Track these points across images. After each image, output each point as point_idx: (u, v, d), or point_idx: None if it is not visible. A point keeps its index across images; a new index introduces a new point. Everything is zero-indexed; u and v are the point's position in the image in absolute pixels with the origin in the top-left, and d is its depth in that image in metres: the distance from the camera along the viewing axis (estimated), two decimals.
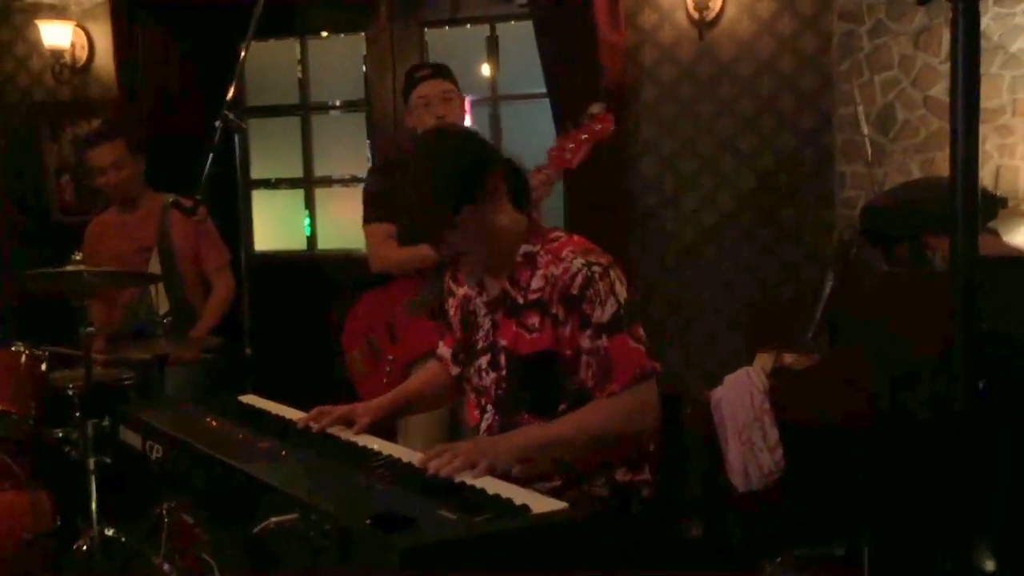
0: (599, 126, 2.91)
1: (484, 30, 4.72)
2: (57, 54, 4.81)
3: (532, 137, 4.54)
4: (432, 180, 1.97)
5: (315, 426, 2.14)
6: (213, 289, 3.93)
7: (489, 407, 2.14)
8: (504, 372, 2.09)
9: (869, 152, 3.62)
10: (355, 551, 1.49)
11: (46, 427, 3.27)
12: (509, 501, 1.60)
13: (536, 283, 2.01)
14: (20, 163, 5.08)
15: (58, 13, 4.83)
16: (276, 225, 5.23)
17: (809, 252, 4.03)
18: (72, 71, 4.87)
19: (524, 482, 1.92)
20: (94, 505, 3.07)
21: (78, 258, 3.10)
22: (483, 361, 2.14)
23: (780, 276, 4.08)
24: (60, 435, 3.25)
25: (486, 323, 2.13)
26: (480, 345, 2.14)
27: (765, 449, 2.49)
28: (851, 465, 2.39)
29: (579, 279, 1.95)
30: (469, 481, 1.72)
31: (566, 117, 4.15)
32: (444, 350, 2.33)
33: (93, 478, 3.08)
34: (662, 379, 1.99)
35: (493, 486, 1.70)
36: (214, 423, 2.25)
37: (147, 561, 2.94)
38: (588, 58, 4.05)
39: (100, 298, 3.81)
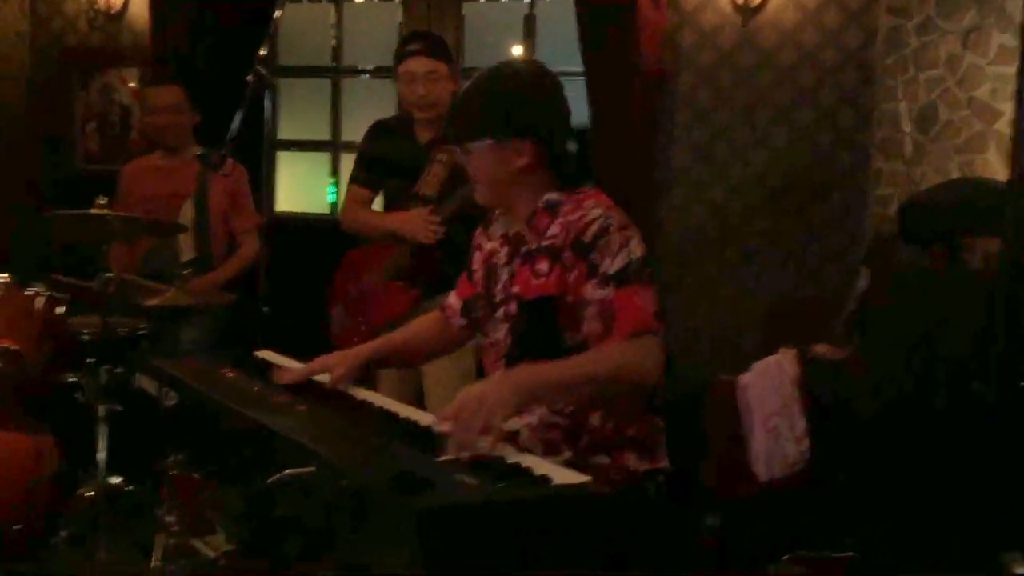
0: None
1: (522, 6, 4.66)
2: None
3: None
4: (470, 101, 1.99)
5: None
6: (238, 249, 3.93)
7: (501, 362, 2.07)
8: (512, 323, 2.03)
9: (909, 150, 3.55)
10: (371, 510, 1.45)
11: (60, 371, 3.25)
12: (529, 471, 1.56)
13: (553, 230, 1.96)
14: (49, 109, 5.04)
15: None
16: (300, 188, 5.19)
17: (838, 250, 3.97)
18: (106, 17, 4.83)
19: (527, 450, 1.88)
20: (102, 453, 3.05)
21: (103, 202, 3.07)
22: (499, 313, 2.07)
23: (807, 274, 4.02)
24: (72, 380, 3.23)
25: (504, 274, 2.07)
26: (498, 298, 2.08)
27: (791, 439, 2.43)
28: (878, 459, 2.34)
29: (594, 227, 1.89)
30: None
31: (601, 98, 4.14)
32: (453, 299, 2.27)
33: (102, 425, 3.06)
34: (667, 349, 1.88)
35: (512, 455, 1.66)
36: (229, 375, 2.21)
37: (151, 513, 2.92)
38: (627, 38, 3.99)
39: (122, 240, 3.81)
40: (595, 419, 1.96)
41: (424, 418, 1.89)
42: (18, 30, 4.96)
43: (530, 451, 1.85)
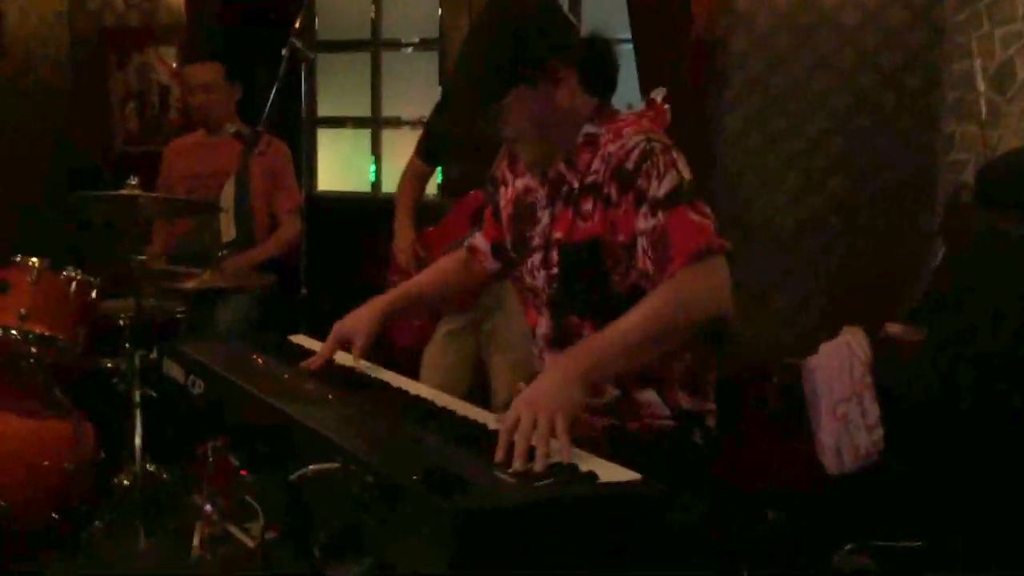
0: (653, 115, 2.68)
1: None
2: None
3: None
4: (482, 56, 1.78)
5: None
6: (278, 229, 3.84)
7: (544, 310, 1.91)
8: (555, 270, 1.85)
9: (984, 111, 3.31)
10: (400, 509, 1.32)
11: (95, 356, 3.18)
12: (573, 467, 1.41)
13: (595, 165, 1.78)
14: (87, 89, 4.98)
15: None
16: (341, 166, 5.08)
17: (908, 220, 3.75)
18: None
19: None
20: (138, 439, 2.98)
21: (134, 183, 2.98)
22: (536, 259, 1.90)
23: (873, 248, 3.81)
24: (108, 365, 3.16)
25: (544, 216, 1.89)
26: (535, 242, 1.91)
27: (863, 427, 2.23)
28: (956, 450, 2.15)
29: (635, 153, 1.70)
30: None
31: (650, 66, 3.95)
32: (481, 241, 2.12)
33: (138, 411, 2.99)
34: (731, 265, 1.67)
35: (555, 447, 1.51)
36: (260, 361, 2.10)
37: (188, 500, 2.84)
38: (678, 2, 3.80)
39: (162, 220, 3.76)
40: None
41: (463, 408, 1.75)
42: (56, 10, 4.91)
43: None
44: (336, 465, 1.45)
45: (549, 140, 1.82)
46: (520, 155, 1.92)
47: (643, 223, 1.69)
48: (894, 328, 2.41)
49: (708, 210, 1.68)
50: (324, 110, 4.97)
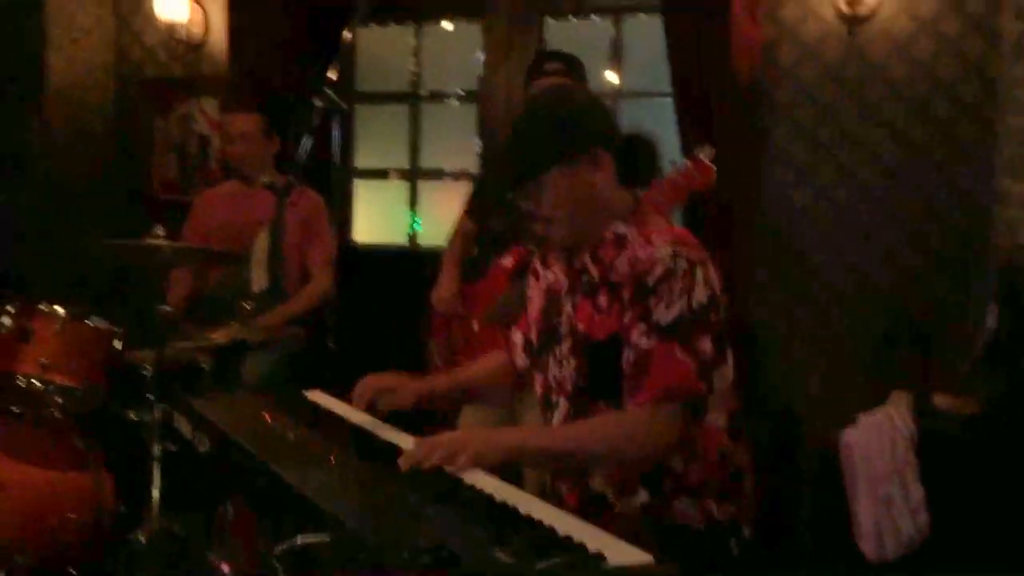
0: (699, 176, 2.60)
1: (606, 24, 4.43)
2: (172, 29, 4.74)
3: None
4: (528, 131, 1.84)
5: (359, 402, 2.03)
6: (311, 282, 3.78)
7: (561, 400, 1.92)
8: (580, 360, 1.87)
9: None
10: None
11: (118, 406, 3.13)
12: (581, 546, 1.29)
13: (620, 265, 1.81)
14: (128, 138, 5.03)
15: None
16: (380, 217, 5.04)
17: (958, 280, 3.59)
18: (187, 47, 4.79)
19: (603, 499, 1.81)
20: (155, 493, 2.90)
21: (160, 232, 2.93)
22: (564, 348, 1.90)
23: (923, 306, 3.64)
24: (132, 416, 3.10)
25: (567, 305, 1.89)
26: (562, 329, 1.90)
27: (906, 511, 2.05)
28: (1011, 536, 1.96)
29: (658, 269, 1.74)
30: (536, 515, 1.42)
31: (691, 119, 3.86)
32: (516, 335, 2.12)
33: (156, 465, 2.91)
34: (703, 403, 1.75)
35: (564, 523, 1.39)
36: (269, 418, 2.01)
37: (205, 559, 2.75)
38: (720, 53, 3.72)
39: (188, 269, 3.73)
40: (676, 462, 1.80)
41: (475, 478, 1.63)
42: (102, 60, 4.96)
43: (603, 494, 1.80)
44: (326, 538, 1.36)
45: (579, 225, 1.84)
46: (550, 237, 1.91)
47: (636, 337, 1.74)
48: (943, 399, 2.23)
49: (704, 344, 1.71)
50: (364, 161, 4.95)
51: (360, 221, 4.98)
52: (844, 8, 3.68)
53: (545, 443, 1.78)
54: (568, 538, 1.33)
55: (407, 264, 4.70)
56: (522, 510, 1.45)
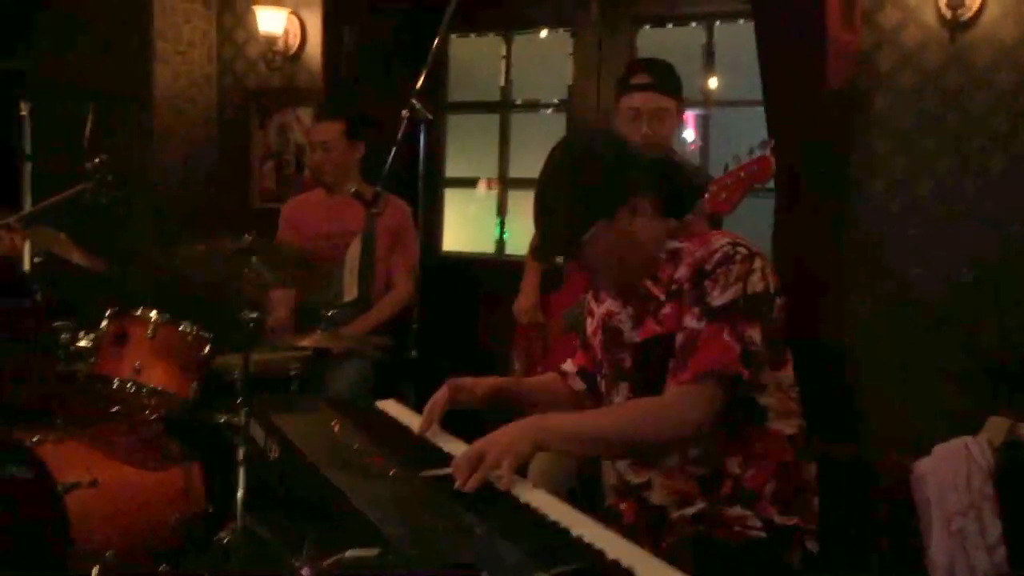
0: (757, 168, 2.53)
1: (699, 32, 4.36)
2: (271, 41, 4.87)
3: (739, 149, 4.14)
4: (560, 200, 1.82)
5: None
6: (392, 290, 3.82)
7: None
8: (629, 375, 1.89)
9: None
10: None
11: (207, 410, 3.22)
12: (615, 564, 1.28)
13: (680, 273, 1.81)
14: (230, 149, 5.19)
15: (276, 0, 4.88)
16: (468, 226, 5.07)
17: None
18: (284, 59, 4.92)
19: (662, 511, 1.79)
20: (240, 496, 2.97)
21: (248, 239, 3.00)
22: (625, 387, 1.89)
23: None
24: (222, 419, 3.18)
25: (634, 337, 1.88)
26: (626, 364, 1.89)
27: (982, 546, 1.94)
28: None
29: (717, 255, 1.75)
30: (587, 537, 1.39)
31: (783, 126, 3.76)
32: (569, 366, 2.15)
33: (242, 468, 2.98)
34: (741, 386, 1.72)
35: (615, 546, 1.37)
36: (337, 428, 2.04)
37: (287, 562, 2.81)
38: (814, 60, 3.60)
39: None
40: (733, 465, 1.78)
41: (530, 495, 1.62)
42: (206, 72, 5.14)
43: (662, 506, 1.79)
44: (375, 552, 1.36)
45: (627, 271, 1.86)
46: (602, 286, 1.96)
47: (688, 321, 1.75)
48: None
49: (753, 332, 1.70)
50: (454, 170, 4.99)
51: (449, 230, 5.02)
52: (946, 12, 3.53)
53: (570, 428, 1.76)
54: (616, 563, 1.31)
55: (493, 273, 4.71)
56: (574, 532, 1.44)
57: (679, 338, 1.75)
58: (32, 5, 5.19)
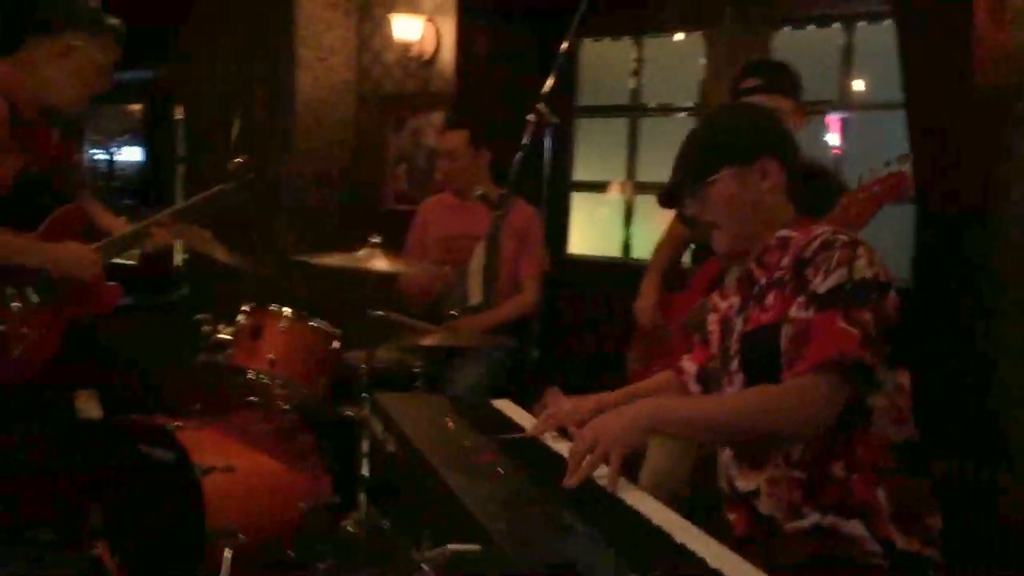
0: (893, 184, 2.44)
1: (838, 33, 4.24)
2: (407, 47, 5.00)
3: (878, 153, 4.00)
4: (699, 138, 1.90)
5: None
6: (520, 293, 3.86)
7: None
8: (741, 365, 1.85)
9: None
10: None
11: (335, 403, 3.32)
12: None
13: (784, 261, 1.77)
14: (365, 152, 5.36)
15: (412, 7, 5.01)
16: (595, 230, 5.07)
17: None
18: (419, 64, 5.04)
19: (772, 520, 1.74)
20: (363, 488, 3.06)
21: (376, 241, 3.10)
22: (734, 365, 1.86)
23: None
24: (348, 413, 3.28)
25: (739, 323, 1.86)
26: (734, 349, 1.87)
27: None
28: None
29: (816, 242, 1.71)
30: (690, 546, 1.38)
31: (926, 129, 3.61)
32: (688, 364, 2.11)
33: (365, 461, 3.06)
34: (865, 376, 1.63)
35: (717, 555, 1.35)
36: (451, 424, 2.08)
37: (409, 554, 2.87)
38: (959, 62, 3.44)
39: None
40: (837, 469, 1.70)
41: (636, 499, 1.61)
42: (344, 79, 5.32)
43: (772, 516, 1.73)
44: (477, 549, 1.39)
45: (743, 232, 1.85)
46: (715, 244, 1.92)
47: (795, 311, 1.69)
48: None
49: (867, 316, 1.63)
50: (582, 174, 5.00)
51: (576, 233, 5.03)
52: None
53: (684, 413, 1.73)
54: (717, 572, 1.29)
55: (619, 276, 4.70)
56: (676, 538, 1.43)
57: (788, 329, 1.69)
58: (182, 16, 5.49)
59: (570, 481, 1.62)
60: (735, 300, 1.91)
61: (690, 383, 2.09)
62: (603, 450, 1.63)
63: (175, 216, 3.15)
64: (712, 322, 2.02)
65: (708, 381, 2.02)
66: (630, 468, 1.70)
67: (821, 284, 1.66)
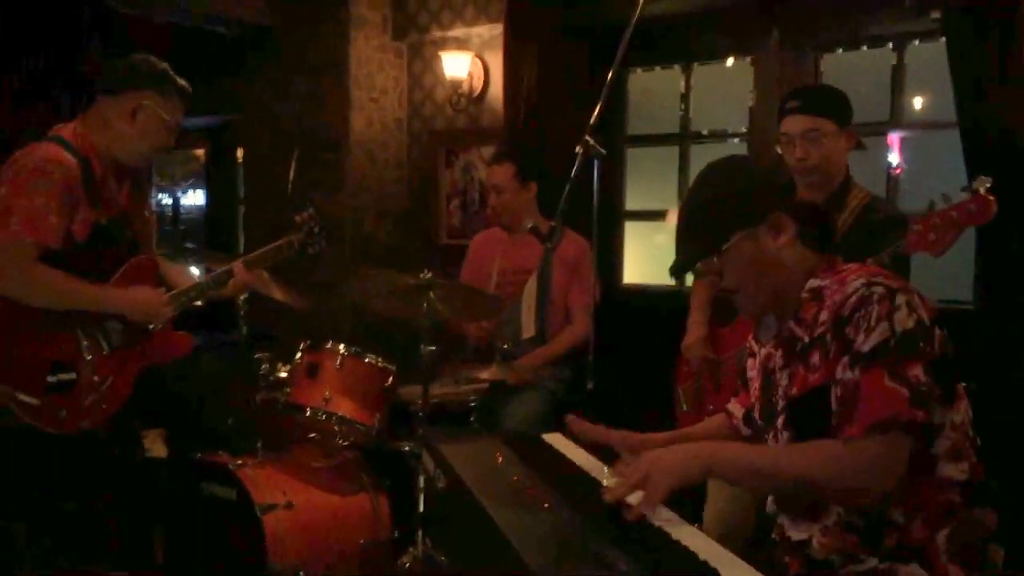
0: (977, 210, 2.34)
1: (886, 54, 4.20)
2: (456, 84, 5.07)
3: (939, 172, 3.94)
4: (705, 207, 1.83)
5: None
6: (570, 324, 3.86)
7: None
8: (792, 429, 1.81)
9: None
10: None
11: (391, 439, 3.36)
12: None
13: (823, 317, 1.73)
14: (418, 188, 5.43)
15: (460, 45, 5.09)
16: (649, 259, 5.06)
17: None
18: (468, 100, 5.11)
19: (828, 565, 1.71)
20: (419, 522, 3.08)
21: (427, 276, 3.13)
22: (780, 421, 1.83)
23: None
24: (406, 448, 3.30)
25: (783, 378, 1.82)
26: (779, 405, 1.84)
27: None
28: None
29: (853, 299, 1.66)
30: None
31: (977, 148, 3.55)
32: (735, 407, 2.10)
33: (422, 496, 3.08)
34: (921, 432, 1.61)
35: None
36: (500, 459, 2.10)
37: None
38: (1011, 77, 3.39)
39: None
40: (897, 514, 1.67)
41: (687, 537, 1.60)
42: (396, 117, 5.42)
43: (828, 560, 1.71)
44: None
45: (768, 291, 1.83)
46: (740, 307, 1.90)
47: (841, 373, 1.66)
48: None
49: (916, 371, 1.60)
50: (634, 203, 5.00)
51: (630, 262, 5.02)
52: None
53: (741, 460, 1.70)
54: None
55: (672, 304, 4.68)
56: (723, 574, 1.42)
57: (836, 391, 1.66)
58: (240, 63, 5.65)
59: (610, 497, 1.63)
60: (776, 354, 1.87)
61: (741, 426, 2.08)
62: (654, 483, 1.62)
63: (246, 265, 3.23)
64: (751, 368, 2.00)
65: (755, 426, 2.00)
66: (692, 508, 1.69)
67: (864, 343, 1.62)
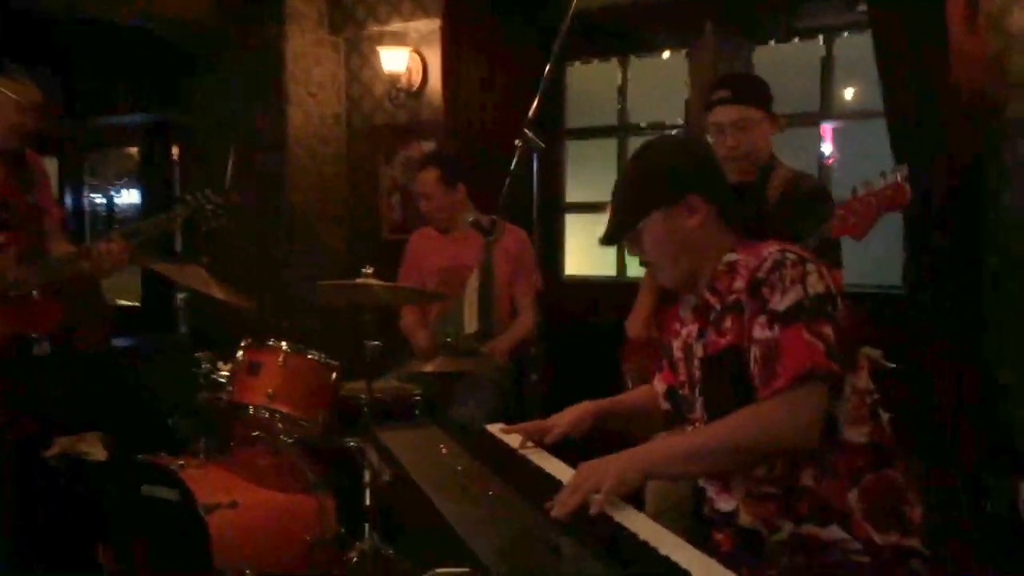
0: (891, 194, 2.46)
1: (817, 47, 4.29)
2: (394, 79, 5.06)
3: (871, 160, 4.04)
4: (625, 185, 1.95)
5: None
6: (518, 316, 3.89)
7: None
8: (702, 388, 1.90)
9: None
10: None
11: (336, 435, 3.34)
12: None
13: (736, 284, 1.82)
14: (359, 184, 5.41)
15: (398, 39, 5.08)
16: (590, 250, 5.11)
17: None
18: (407, 95, 5.10)
19: (756, 534, 1.77)
20: (367, 517, 3.08)
21: (369, 271, 3.13)
22: (697, 391, 1.92)
23: None
24: (351, 444, 3.29)
25: (699, 350, 1.90)
26: (696, 377, 1.92)
27: None
28: None
29: (768, 263, 1.76)
30: (676, 558, 1.41)
31: (907, 138, 3.65)
32: (659, 383, 2.18)
33: (368, 491, 3.08)
34: (834, 384, 1.69)
35: (706, 568, 1.38)
36: (445, 451, 2.11)
37: None
38: (935, 70, 3.49)
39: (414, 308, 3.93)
40: (807, 478, 1.74)
41: (631, 520, 1.63)
42: (335, 112, 5.39)
43: (754, 530, 1.78)
44: (465, 570, 1.42)
45: (682, 267, 1.91)
46: (659, 278, 2.00)
47: (759, 332, 1.72)
48: None
49: (828, 330, 1.69)
50: (575, 196, 5.05)
51: (571, 254, 5.07)
52: None
53: (683, 449, 1.74)
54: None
55: (614, 294, 4.74)
56: (662, 552, 1.45)
57: (755, 351, 1.73)
58: (176, 61, 5.57)
59: (558, 513, 1.62)
60: (693, 328, 1.95)
61: (661, 402, 2.15)
62: (595, 482, 1.64)
63: (123, 236, 3.23)
64: (676, 348, 2.05)
65: (679, 402, 2.06)
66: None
67: (780, 302, 1.70)
